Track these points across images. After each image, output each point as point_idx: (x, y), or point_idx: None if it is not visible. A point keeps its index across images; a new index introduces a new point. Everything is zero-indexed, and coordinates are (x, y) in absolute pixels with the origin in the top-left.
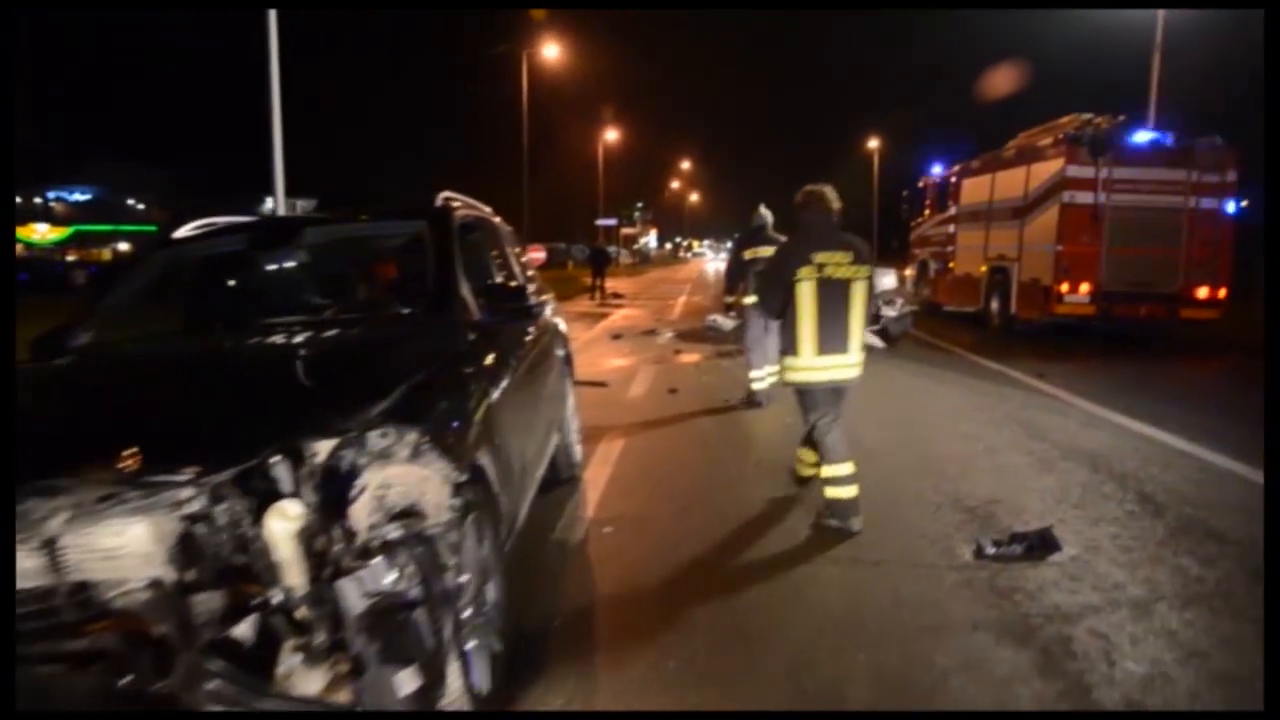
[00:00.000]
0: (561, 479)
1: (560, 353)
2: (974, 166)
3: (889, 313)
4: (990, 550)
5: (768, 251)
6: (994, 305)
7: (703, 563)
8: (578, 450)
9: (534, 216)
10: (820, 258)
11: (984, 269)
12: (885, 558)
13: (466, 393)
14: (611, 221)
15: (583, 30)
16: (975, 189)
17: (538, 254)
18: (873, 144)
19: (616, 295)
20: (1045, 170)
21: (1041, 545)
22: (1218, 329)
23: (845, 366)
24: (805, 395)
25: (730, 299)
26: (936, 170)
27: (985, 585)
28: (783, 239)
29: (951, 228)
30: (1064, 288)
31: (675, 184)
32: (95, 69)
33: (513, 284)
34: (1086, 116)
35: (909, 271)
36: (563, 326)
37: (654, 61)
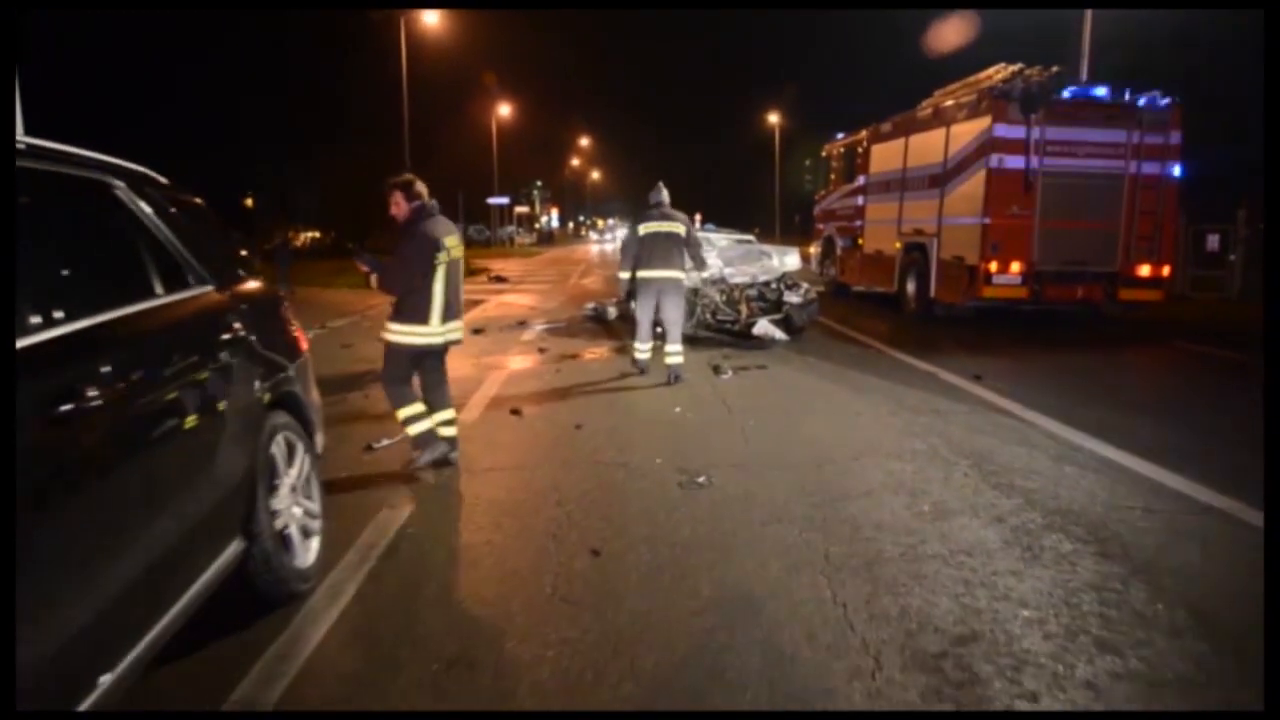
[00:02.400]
0: (270, 598)
1: (251, 385)
2: (884, 130)
3: (792, 299)
4: None
5: (665, 226)
6: (910, 287)
7: None
8: (310, 550)
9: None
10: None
11: (898, 246)
12: None
13: None
14: (504, 200)
15: (480, 10)
16: (886, 155)
17: None
18: (773, 118)
19: (500, 279)
20: (968, 131)
21: None
22: (1157, 310)
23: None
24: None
25: (625, 274)
26: (841, 137)
27: None
28: (680, 214)
29: (860, 200)
30: (992, 267)
31: (576, 161)
32: None
33: None
34: (1015, 68)
35: (813, 249)
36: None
37: (553, 39)
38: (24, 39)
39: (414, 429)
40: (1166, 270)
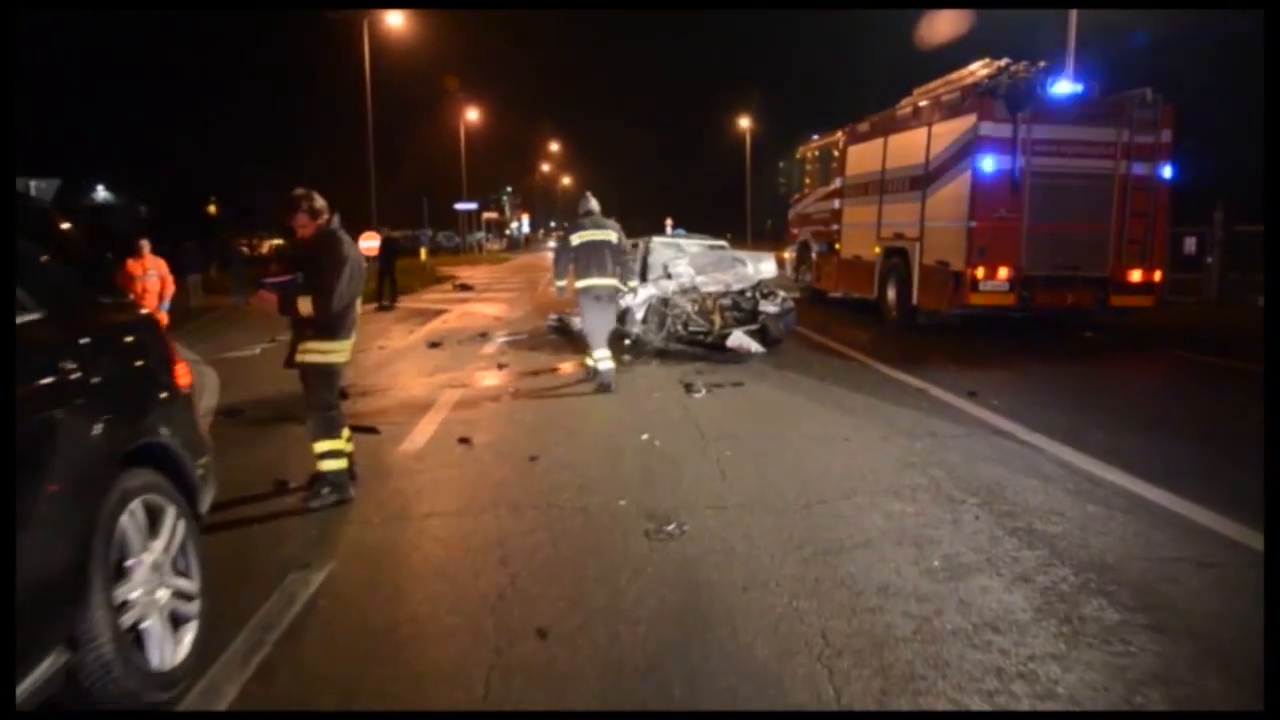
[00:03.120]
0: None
1: (86, 441)
2: (861, 130)
3: (768, 308)
4: None
5: (598, 235)
6: (890, 294)
7: None
8: (181, 644)
9: (396, 204)
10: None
11: (877, 251)
12: None
13: None
14: (472, 206)
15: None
16: (864, 156)
17: (369, 242)
18: (744, 123)
19: (465, 287)
20: (952, 130)
21: None
22: (1148, 317)
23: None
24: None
25: (561, 283)
26: (816, 138)
27: None
28: (611, 223)
29: (836, 203)
30: (979, 273)
31: (546, 167)
32: None
33: None
34: (999, 63)
35: (788, 254)
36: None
37: (523, 43)
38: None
39: (333, 465)
40: (1159, 275)
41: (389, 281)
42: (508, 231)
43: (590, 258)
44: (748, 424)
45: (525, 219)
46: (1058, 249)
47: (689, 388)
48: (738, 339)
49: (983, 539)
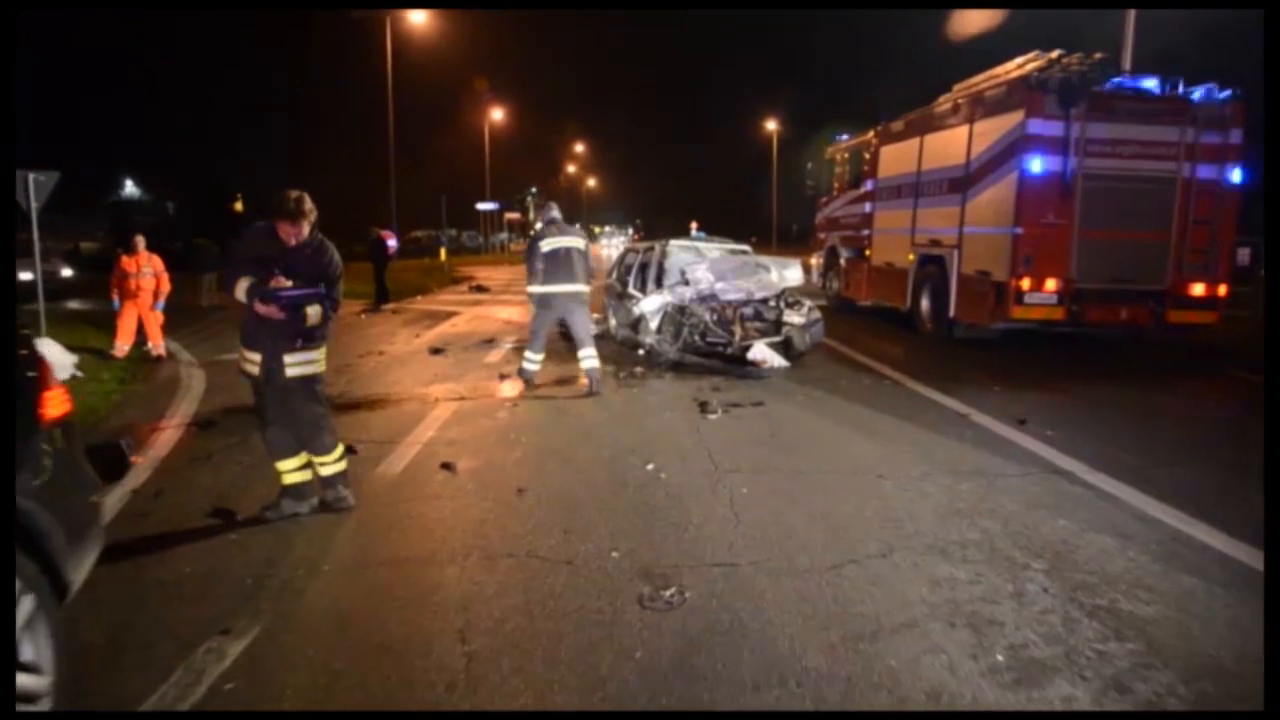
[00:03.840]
0: None
1: None
2: (895, 130)
3: (793, 319)
4: None
5: (566, 241)
6: (925, 305)
7: None
8: None
9: (419, 202)
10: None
11: (911, 258)
12: None
13: None
14: (493, 206)
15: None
16: (897, 157)
17: (389, 241)
18: (770, 125)
19: (481, 289)
20: (997, 128)
21: None
22: (1208, 335)
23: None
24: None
25: (534, 289)
26: (845, 138)
27: None
28: (576, 229)
29: (867, 207)
30: (1024, 284)
31: (572, 168)
32: None
33: None
34: (1052, 55)
35: (814, 260)
36: None
37: (552, 44)
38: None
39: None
40: (1223, 289)
41: (378, 284)
42: (531, 232)
43: (558, 264)
44: (767, 453)
45: None
46: (1112, 259)
47: (703, 407)
48: (759, 351)
49: (1055, 621)
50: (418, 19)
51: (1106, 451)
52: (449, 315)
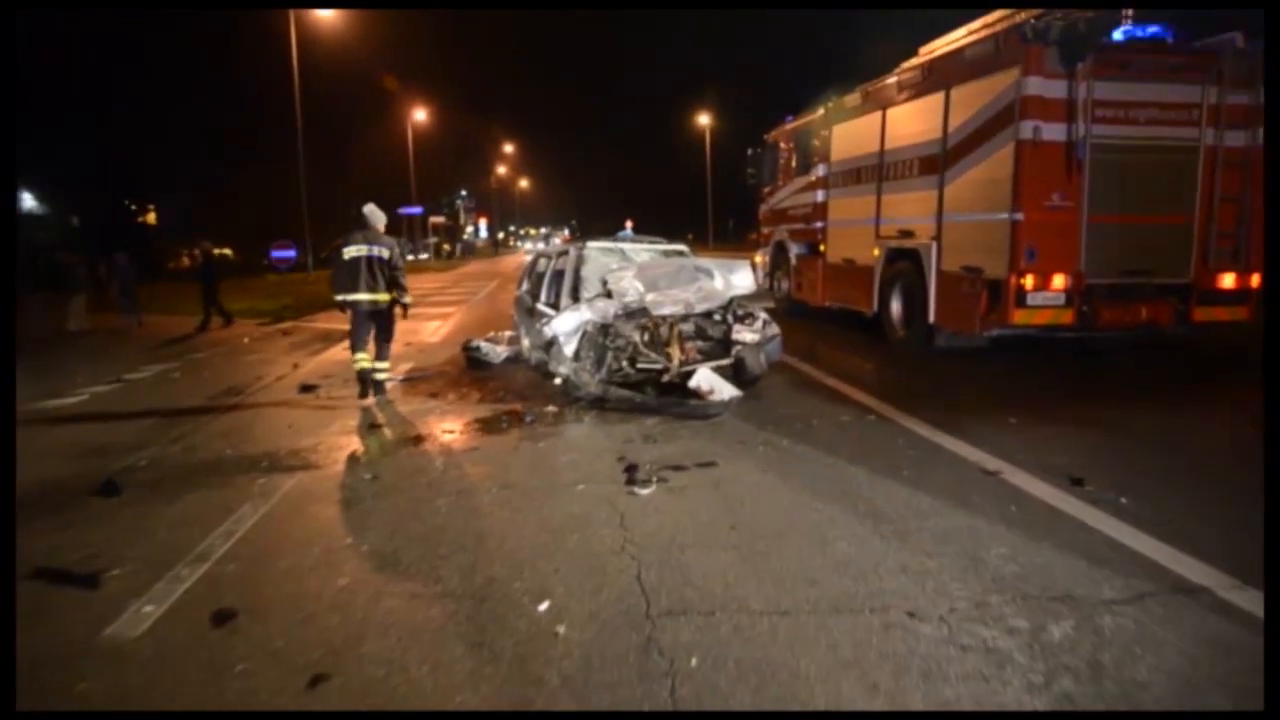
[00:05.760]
0: None
1: None
2: (850, 104)
3: (744, 336)
4: None
5: (363, 250)
6: (895, 308)
7: None
8: None
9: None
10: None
11: (876, 253)
12: None
13: None
14: (417, 210)
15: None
16: (854, 136)
17: (285, 252)
18: (704, 119)
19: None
20: (984, 91)
21: None
22: (1239, 334)
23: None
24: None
25: (339, 296)
26: (790, 120)
27: None
28: (386, 237)
29: (819, 195)
30: (1027, 281)
31: (502, 170)
32: None
33: None
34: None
35: (759, 258)
36: None
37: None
38: None
39: None
40: (1256, 279)
41: (207, 304)
42: (465, 236)
43: (355, 272)
44: (726, 569)
45: (483, 223)
46: (1126, 248)
47: (631, 475)
48: (704, 379)
49: None
50: (325, 15)
51: (1232, 538)
52: (345, 335)
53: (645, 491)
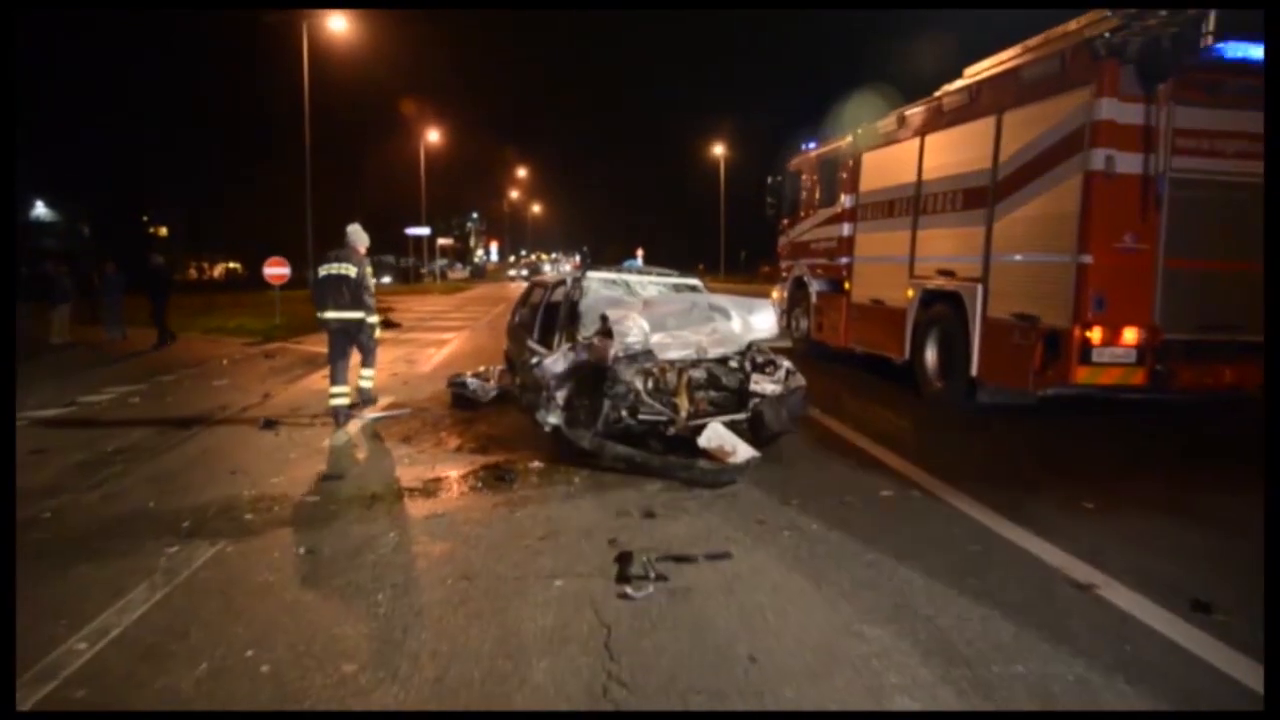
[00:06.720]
0: None
1: None
2: (883, 129)
3: (764, 387)
4: None
5: (335, 269)
6: (930, 357)
7: None
8: None
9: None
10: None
11: (910, 294)
12: None
13: None
14: (424, 231)
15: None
16: (887, 164)
17: (279, 269)
18: (718, 149)
19: (389, 324)
20: (1046, 115)
21: None
22: None
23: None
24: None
25: (322, 314)
26: (813, 146)
27: None
28: (359, 258)
29: (845, 228)
30: (1094, 335)
31: (515, 194)
32: None
33: None
34: (1107, 15)
35: (777, 294)
36: None
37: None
38: None
39: None
40: None
41: (159, 321)
42: (476, 259)
43: (327, 290)
44: None
45: (494, 246)
46: (1208, 299)
47: (623, 568)
48: (716, 436)
49: None
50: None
51: None
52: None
53: (640, 594)
